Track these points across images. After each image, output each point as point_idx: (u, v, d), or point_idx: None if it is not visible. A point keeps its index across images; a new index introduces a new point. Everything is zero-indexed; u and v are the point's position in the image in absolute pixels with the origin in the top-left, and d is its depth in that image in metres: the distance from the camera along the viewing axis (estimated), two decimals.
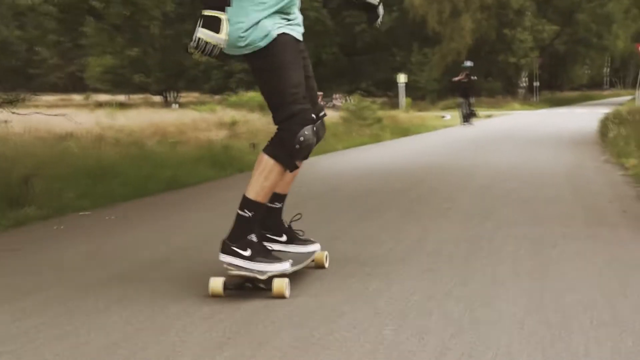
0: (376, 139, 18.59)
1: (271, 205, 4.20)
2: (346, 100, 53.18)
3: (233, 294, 3.85)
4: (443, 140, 18.54)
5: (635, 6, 60.99)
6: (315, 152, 14.02)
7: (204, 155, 11.93)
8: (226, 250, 3.85)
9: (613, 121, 13.97)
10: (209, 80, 59.12)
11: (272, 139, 3.96)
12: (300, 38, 4.12)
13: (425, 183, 9.33)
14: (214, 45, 3.68)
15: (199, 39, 3.66)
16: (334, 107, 49.98)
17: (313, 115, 3.96)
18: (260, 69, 3.95)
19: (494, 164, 11.61)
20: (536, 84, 56.49)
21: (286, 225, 4.37)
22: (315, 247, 4.40)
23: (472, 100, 26.70)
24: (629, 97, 67.43)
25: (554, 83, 74.43)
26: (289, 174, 4.10)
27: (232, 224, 3.94)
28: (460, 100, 26.66)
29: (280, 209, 4.33)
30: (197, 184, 9.62)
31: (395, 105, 44.40)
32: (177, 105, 50.96)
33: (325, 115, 4.29)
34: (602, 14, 63.56)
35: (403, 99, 43.98)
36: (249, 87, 44.71)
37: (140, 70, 61.49)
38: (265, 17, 3.87)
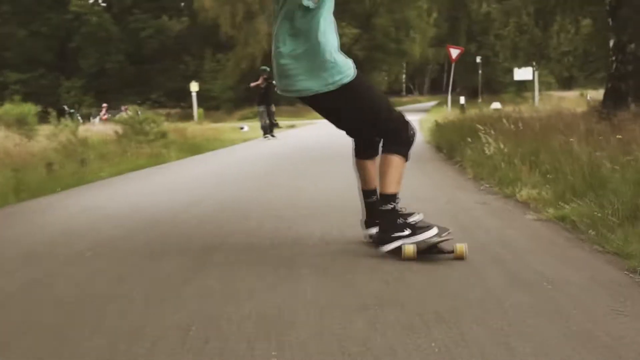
0: (158, 159, 14.26)
1: (369, 200, 4.95)
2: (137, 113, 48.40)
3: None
4: (245, 159, 14.52)
5: (434, 10, 59.56)
6: (68, 184, 9.06)
7: None
8: (387, 240, 4.53)
9: (486, 132, 10.16)
10: None
11: (386, 140, 4.69)
12: None
13: (228, 246, 5.12)
14: None
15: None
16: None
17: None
18: (353, 99, 4.62)
19: (327, 199, 7.59)
20: None
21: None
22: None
23: (273, 109, 22.69)
24: (432, 103, 66.32)
25: None
26: (372, 170, 4.93)
27: (380, 221, 4.63)
28: (260, 109, 22.58)
29: (377, 202, 4.78)
30: None
31: (189, 116, 40.28)
32: None
33: None
34: (400, 18, 61.70)
35: (196, 110, 39.69)
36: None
37: None
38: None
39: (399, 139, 4.62)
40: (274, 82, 23.53)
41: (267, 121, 22.30)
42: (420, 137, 18.85)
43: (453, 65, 35.55)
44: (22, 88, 48.83)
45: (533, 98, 39.55)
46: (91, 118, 45.77)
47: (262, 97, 22.22)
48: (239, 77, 46.61)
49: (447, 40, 64.55)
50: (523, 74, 40.07)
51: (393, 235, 4.50)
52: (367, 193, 4.96)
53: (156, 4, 54.13)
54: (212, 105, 48.20)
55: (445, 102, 52.54)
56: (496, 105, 38.76)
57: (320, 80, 4.51)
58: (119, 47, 50.77)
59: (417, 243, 4.44)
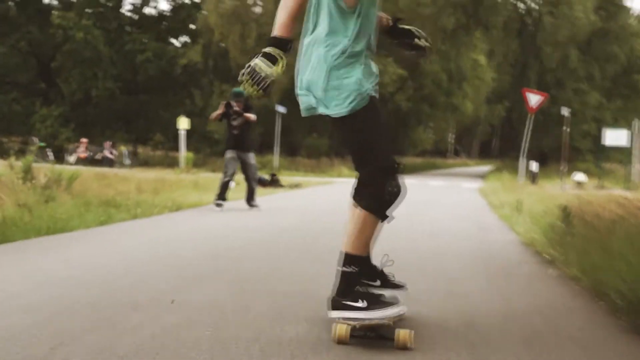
0: None
1: None
2: (120, 151, 39.44)
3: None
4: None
5: (498, 53, 49.93)
6: None
7: None
8: (338, 306, 3.86)
9: None
10: None
11: (359, 187, 3.96)
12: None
13: None
14: (263, 76, 3.76)
15: (254, 65, 3.77)
16: (103, 160, 36.30)
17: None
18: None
19: None
20: None
21: (379, 270, 4.30)
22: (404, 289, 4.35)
23: (251, 159, 12.87)
24: (484, 168, 56.68)
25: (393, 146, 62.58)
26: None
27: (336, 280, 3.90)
28: (227, 155, 12.82)
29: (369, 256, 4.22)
30: None
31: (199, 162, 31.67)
32: None
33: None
34: (454, 67, 51.96)
35: (183, 154, 30.29)
36: None
37: None
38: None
39: (376, 193, 3.86)
40: (252, 115, 12.87)
41: (230, 178, 12.70)
42: (510, 236, 9.41)
43: (530, 118, 25.67)
44: None
45: (628, 171, 29.78)
46: (66, 155, 36.82)
47: (233, 138, 12.67)
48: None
49: (508, 95, 55.00)
50: (616, 138, 30.43)
51: (344, 303, 3.85)
52: None
53: (161, 24, 45.32)
54: (217, 150, 38.92)
55: (503, 168, 43.21)
56: (580, 177, 29.19)
57: None
58: (109, 72, 41.43)
59: (359, 322, 3.78)
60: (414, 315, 4.35)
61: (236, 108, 12.43)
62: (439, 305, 4.84)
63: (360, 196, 3.90)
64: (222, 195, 12.45)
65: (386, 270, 4.30)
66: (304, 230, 9.50)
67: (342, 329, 3.75)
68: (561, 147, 38.21)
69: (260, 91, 3.75)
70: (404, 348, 3.69)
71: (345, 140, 4.02)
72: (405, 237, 8.75)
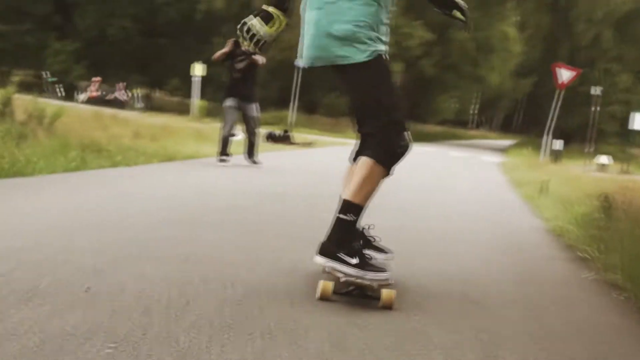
0: None
1: None
2: (133, 94, 38.32)
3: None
4: None
5: (529, 27, 48.40)
6: None
7: None
8: (328, 254, 3.71)
9: None
10: None
11: (371, 140, 3.80)
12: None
13: None
14: (257, 36, 3.75)
15: (250, 24, 3.75)
16: (113, 101, 35.20)
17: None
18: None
19: None
20: None
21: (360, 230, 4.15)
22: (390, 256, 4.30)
23: (255, 112, 11.67)
24: (506, 142, 55.29)
25: (415, 112, 61.25)
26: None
27: (332, 228, 3.72)
28: (227, 103, 11.60)
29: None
30: None
31: (212, 110, 30.09)
32: None
33: None
34: (483, 38, 50.31)
35: (196, 102, 29.12)
36: None
37: None
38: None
39: (387, 145, 3.75)
40: (260, 57, 11.53)
41: (230, 130, 11.51)
42: (535, 221, 8.28)
43: (560, 94, 24.33)
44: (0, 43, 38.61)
45: None
46: (76, 93, 35.78)
47: (235, 84, 11.46)
48: (271, 71, 35.56)
49: (536, 69, 53.50)
50: None
51: (338, 255, 3.69)
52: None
53: None
54: None
55: (524, 144, 41.72)
56: (604, 159, 27.92)
57: None
58: (126, 11, 40.12)
59: (348, 277, 3.64)
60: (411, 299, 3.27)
61: (244, 48, 11.08)
62: (451, 313, 3.69)
63: (374, 147, 3.74)
64: (224, 151, 11.29)
65: (371, 232, 4.21)
66: (302, 196, 8.38)
67: (327, 287, 3.61)
68: (586, 128, 36.91)
69: (256, 48, 3.79)
70: (387, 307, 3.60)
71: (355, 91, 3.84)
72: (418, 214, 7.65)
